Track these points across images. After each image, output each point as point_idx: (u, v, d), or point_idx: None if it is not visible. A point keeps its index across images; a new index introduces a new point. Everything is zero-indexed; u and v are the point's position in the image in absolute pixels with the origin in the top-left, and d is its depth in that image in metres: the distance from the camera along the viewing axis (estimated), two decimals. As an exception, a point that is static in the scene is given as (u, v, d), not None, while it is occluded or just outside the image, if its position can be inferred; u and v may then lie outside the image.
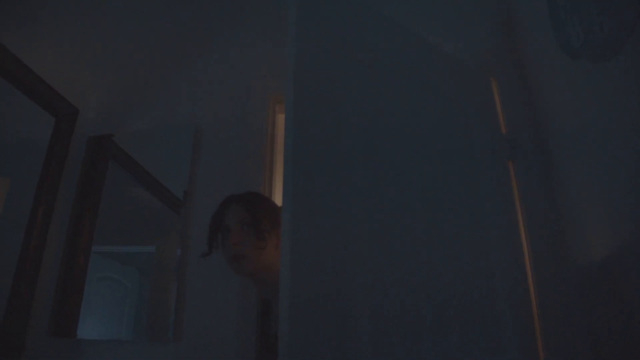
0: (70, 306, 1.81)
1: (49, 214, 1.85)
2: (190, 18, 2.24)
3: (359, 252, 1.10)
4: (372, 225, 1.15)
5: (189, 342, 1.68)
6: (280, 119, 2.04)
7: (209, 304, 1.71)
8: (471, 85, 1.70)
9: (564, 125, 1.46)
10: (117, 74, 2.24)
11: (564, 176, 1.46)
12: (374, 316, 1.06)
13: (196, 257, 1.77)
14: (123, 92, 2.25)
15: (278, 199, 1.87)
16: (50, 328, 1.78)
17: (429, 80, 1.54)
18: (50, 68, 1.91)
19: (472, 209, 1.45)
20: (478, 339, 1.26)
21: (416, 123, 1.42)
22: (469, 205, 1.44)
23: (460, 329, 1.23)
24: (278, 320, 1.30)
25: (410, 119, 1.41)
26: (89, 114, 2.15)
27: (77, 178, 2.02)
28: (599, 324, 1.24)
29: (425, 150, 1.39)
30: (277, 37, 2.18)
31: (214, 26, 2.29)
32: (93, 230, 1.93)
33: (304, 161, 1.05)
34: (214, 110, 2.09)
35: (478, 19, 1.93)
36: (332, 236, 1.06)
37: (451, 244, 1.34)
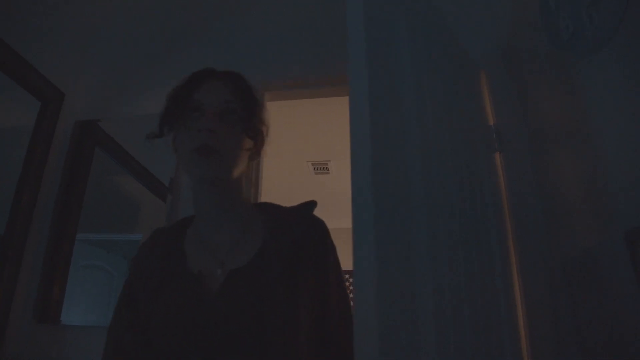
0: (55, 292, 1.80)
1: (33, 200, 1.84)
2: (181, 5, 2.21)
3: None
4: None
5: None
6: (270, 106, 2.02)
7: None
8: (460, 76, 1.69)
9: (551, 117, 1.47)
10: (105, 58, 2.21)
11: (551, 168, 1.47)
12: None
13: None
14: (111, 77, 2.23)
15: (264, 188, 1.87)
16: (35, 314, 1.77)
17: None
18: (36, 51, 1.88)
19: (458, 199, 1.45)
20: (468, 329, 1.28)
21: (400, 112, 1.40)
22: (455, 195, 1.44)
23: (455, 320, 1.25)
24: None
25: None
26: (75, 99, 2.12)
27: (62, 164, 2.00)
28: (584, 313, 1.26)
29: (408, 140, 1.39)
30: (269, 27, 2.16)
31: (205, 14, 2.27)
32: (78, 217, 1.92)
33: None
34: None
35: (468, 12, 1.92)
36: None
37: (439, 235, 1.34)
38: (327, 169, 4.27)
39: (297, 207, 1.06)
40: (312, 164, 4.20)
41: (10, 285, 1.71)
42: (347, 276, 0.96)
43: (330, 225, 1.05)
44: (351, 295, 0.88)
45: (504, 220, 1.55)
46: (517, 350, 1.37)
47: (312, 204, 1.06)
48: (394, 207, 1.01)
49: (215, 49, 2.18)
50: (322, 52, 2.05)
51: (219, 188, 0.98)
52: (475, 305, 1.33)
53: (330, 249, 1.00)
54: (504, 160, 1.62)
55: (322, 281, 0.95)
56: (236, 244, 0.97)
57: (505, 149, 1.62)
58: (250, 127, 1.01)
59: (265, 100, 2.01)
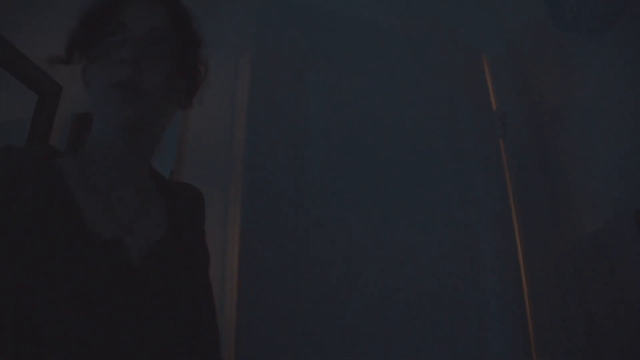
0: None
1: (32, 193, 1.82)
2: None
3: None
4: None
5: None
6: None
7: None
8: (461, 62, 1.67)
9: (554, 100, 1.45)
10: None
11: (554, 151, 1.46)
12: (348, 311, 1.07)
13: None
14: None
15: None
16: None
17: (416, 59, 1.52)
18: (32, 43, 1.86)
19: (463, 185, 1.44)
20: (467, 314, 1.27)
21: (402, 103, 1.40)
22: (460, 181, 1.43)
23: (451, 303, 1.24)
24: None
25: (396, 99, 1.40)
26: (73, 91, 2.10)
27: (61, 157, 1.98)
28: (591, 296, 1.25)
29: (413, 131, 1.38)
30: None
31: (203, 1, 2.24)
32: (78, 209, 1.90)
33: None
34: (202, 88, 2.05)
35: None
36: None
37: (441, 223, 1.33)
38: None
39: (186, 184, 0.96)
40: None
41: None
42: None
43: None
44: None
45: (508, 208, 1.54)
46: (526, 338, 1.36)
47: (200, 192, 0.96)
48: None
49: (213, 37, 2.16)
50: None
51: (136, 137, 0.79)
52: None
53: None
54: (507, 146, 1.60)
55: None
56: (142, 211, 0.79)
57: (508, 134, 1.61)
58: (184, 63, 0.82)
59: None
